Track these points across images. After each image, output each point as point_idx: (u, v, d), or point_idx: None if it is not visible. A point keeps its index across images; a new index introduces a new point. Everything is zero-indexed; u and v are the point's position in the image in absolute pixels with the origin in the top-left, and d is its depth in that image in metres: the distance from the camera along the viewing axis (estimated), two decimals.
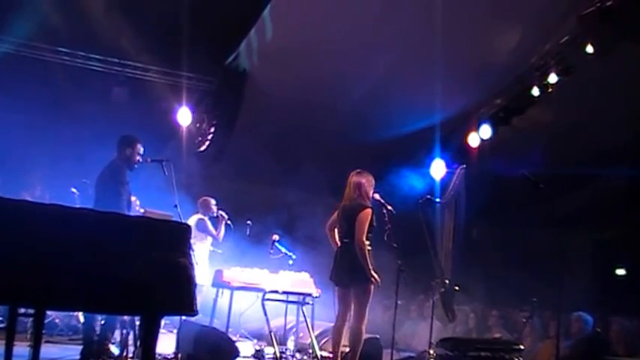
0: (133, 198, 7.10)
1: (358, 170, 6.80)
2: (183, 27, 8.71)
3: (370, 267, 6.45)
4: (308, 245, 9.46)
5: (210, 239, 9.12)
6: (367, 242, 6.55)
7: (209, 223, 9.05)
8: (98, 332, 6.35)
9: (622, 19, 7.96)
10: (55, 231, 3.84)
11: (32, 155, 9.49)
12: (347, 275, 6.55)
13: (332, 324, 6.83)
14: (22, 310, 4.27)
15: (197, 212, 9.18)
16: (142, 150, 6.82)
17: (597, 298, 10.54)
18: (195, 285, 4.50)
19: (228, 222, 9.07)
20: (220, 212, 9.09)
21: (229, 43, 9.66)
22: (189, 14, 8.61)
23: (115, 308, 4.53)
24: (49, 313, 6.79)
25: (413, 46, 9.22)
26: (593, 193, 11.25)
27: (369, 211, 6.55)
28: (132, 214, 6.74)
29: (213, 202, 9.21)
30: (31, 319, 4.52)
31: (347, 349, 6.76)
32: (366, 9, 8.75)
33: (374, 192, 6.80)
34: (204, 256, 9.09)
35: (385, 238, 6.82)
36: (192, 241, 8.69)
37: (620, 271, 11.66)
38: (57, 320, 7.55)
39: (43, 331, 4.85)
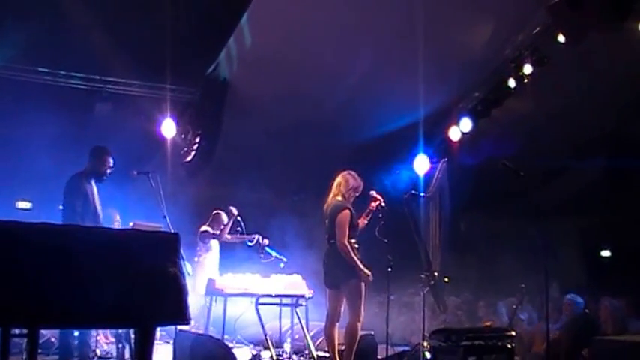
0: (112, 210, 7.22)
1: (348, 171, 6.93)
2: (163, 39, 8.76)
3: (359, 264, 6.56)
4: (298, 247, 9.60)
5: (216, 247, 9.23)
6: (353, 241, 6.67)
7: (210, 231, 9.14)
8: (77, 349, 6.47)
9: (590, 7, 8.10)
10: (43, 249, 3.87)
11: (18, 174, 9.55)
12: (334, 275, 6.70)
13: None
14: (17, 331, 4.33)
15: (207, 224, 9.29)
16: (111, 162, 6.92)
17: (585, 280, 10.73)
18: (187, 293, 4.58)
19: (238, 218, 9.06)
20: (230, 207, 9.07)
21: (209, 53, 9.75)
22: (167, 26, 8.68)
23: (108, 322, 4.59)
24: (43, 331, 6.86)
25: (391, 45, 9.36)
26: (575, 181, 11.41)
27: (346, 212, 6.64)
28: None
29: (224, 217, 9.27)
30: (25, 339, 4.59)
31: (343, 347, 6.89)
32: (344, 10, 8.82)
33: (372, 189, 6.97)
34: (214, 266, 9.16)
35: (376, 233, 6.94)
36: (199, 253, 8.89)
37: (605, 253, 11.92)
38: (53, 339, 7.61)
39: (39, 350, 4.93)
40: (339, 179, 6.89)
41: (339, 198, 6.79)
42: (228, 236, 9.15)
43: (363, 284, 6.59)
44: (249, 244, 9.02)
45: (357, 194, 6.92)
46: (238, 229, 9.14)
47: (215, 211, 9.40)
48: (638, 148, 10.29)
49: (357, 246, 6.70)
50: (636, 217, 10.66)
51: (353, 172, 6.93)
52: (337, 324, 6.83)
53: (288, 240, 9.91)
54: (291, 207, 10.85)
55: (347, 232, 6.58)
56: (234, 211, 9.04)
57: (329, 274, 6.76)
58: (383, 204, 6.98)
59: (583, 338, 7.57)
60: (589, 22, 8.15)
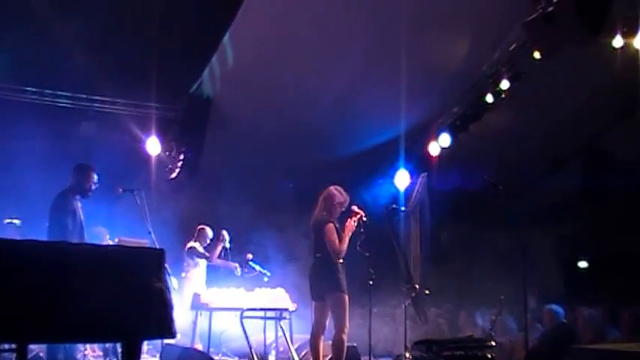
0: (102, 229, 7.32)
1: (334, 186, 7.03)
2: (147, 59, 8.89)
3: (349, 232, 6.74)
4: (279, 261, 9.73)
5: (203, 263, 9.28)
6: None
7: (199, 249, 9.25)
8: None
9: (564, 22, 8.33)
10: (31, 266, 3.93)
11: (6, 191, 9.62)
12: (319, 288, 6.79)
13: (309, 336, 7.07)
14: (7, 346, 4.41)
15: (194, 239, 9.38)
16: (95, 178, 7.02)
17: (563, 290, 10.93)
18: (173, 308, 4.69)
19: (227, 245, 9.14)
20: (223, 232, 9.21)
21: (192, 72, 9.88)
22: (151, 46, 8.82)
23: (95, 337, 4.66)
24: (32, 346, 6.93)
25: (371, 62, 9.52)
26: (552, 193, 11.63)
27: (331, 225, 6.77)
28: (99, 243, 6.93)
29: (209, 232, 9.41)
30: (14, 354, 4.68)
31: (327, 358, 7.00)
32: (325, 28, 9.00)
33: (353, 204, 7.05)
34: (202, 280, 9.22)
35: (358, 248, 7.01)
36: (187, 268, 8.95)
37: (582, 263, 12.17)
38: (41, 354, 7.68)
39: None
40: (325, 194, 6.99)
41: (325, 213, 6.90)
42: (218, 261, 9.26)
43: (346, 297, 6.69)
44: (236, 272, 9.08)
45: (343, 209, 7.02)
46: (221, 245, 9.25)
47: (200, 226, 9.50)
48: (612, 160, 10.56)
49: (341, 261, 6.79)
50: (612, 228, 10.91)
51: (339, 187, 7.03)
52: (322, 336, 6.93)
53: (270, 254, 10.03)
54: (273, 222, 10.95)
55: (336, 241, 6.71)
56: (227, 236, 9.17)
57: (314, 287, 6.86)
58: (364, 218, 7.06)
59: (561, 347, 7.74)
60: (563, 38, 8.37)
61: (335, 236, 6.72)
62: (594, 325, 8.48)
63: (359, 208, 7.10)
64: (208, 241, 9.36)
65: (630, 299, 8.80)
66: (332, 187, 7.02)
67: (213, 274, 9.42)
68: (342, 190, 7.01)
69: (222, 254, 9.16)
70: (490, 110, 10.19)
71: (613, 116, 10.59)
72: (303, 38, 9.11)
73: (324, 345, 6.96)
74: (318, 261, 6.83)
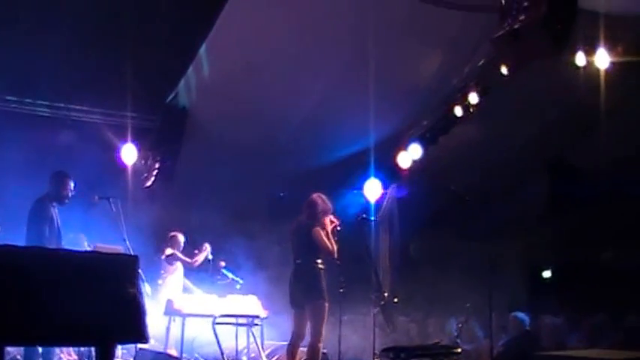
0: (81, 236, 7.44)
1: (318, 194, 7.15)
2: (124, 69, 9.02)
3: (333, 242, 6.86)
4: (253, 270, 9.86)
5: (180, 268, 9.37)
6: (319, 261, 6.86)
7: (180, 255, 9.36)
8: None
9: (530, 38, 8.62)
10: (7, 270, 3.98)
11: None
12: (301, 295, 6.85)
13: (281, 343, 7.22)
14: None
15: (168, 246, 9.47)
16: (72, 185, 7.14)
17: (527, 298, 11.20)
18: (146, 313, 4.83)
19: (210, 257, 9.30)
20: (206, 244, 9.35)
21: (168, 82, 10.02)
22: (128, 56, 8.94)
23: (69, 341, 4.79)
24: (9, 349, 7.02)
25: (343, 75, 9.72)
26: (518, 204, 11.91)
27: (318, 229, 6.86)
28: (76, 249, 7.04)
29: (181, 238, 9.52)
30: None
31: None
32: (298, 40, 9.17)
33: (332, 212, 7.15)
34: (178, 287, 9.30)
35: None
36: (163, 275, 9.04)
37: (546, 273, 12.49)
38: (18, 357, 7.73)
39: None
40: (308, 201, 7.08)
41: (309, 219, 7.00)
42: (186, 281, 9.38)
43: (327, 305, 6.78)
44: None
45: (326, 217, 7.10)
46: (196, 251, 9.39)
47: (172, 233, 9.61)
48: (576, 174, 10.87)
49: (322, 267, 6.90)
50: (574, 239, 11.22)
51: (323, 195, 7.14)
52: (300, 342, 7.02)
53: (242, 262, 10.15)
54: (245, 230, 11.09)
55: (327, 241, 6.84)
56: (209, 248, 9.30)
57: (294, 295, 6.92)
58: (339, 227, 7.17)
59: (525, 354, 7.99)
60: (530, 53, 8.65)
61: (324, 238, 6.83)
62: (556, 332, 8.75)
63: (334, 217, 7.22)
64: (182, 246, 9.48)
65: (590, 308, 9.09)
66: (315, 195, 7.12)
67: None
68: (325, 199, 7.12)
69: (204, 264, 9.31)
70: (459, 123, 10.44)
71: (578, 131, 10.90)
72: (277, 51, 9.26)
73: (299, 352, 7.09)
74: (299, 267, 6.91)
